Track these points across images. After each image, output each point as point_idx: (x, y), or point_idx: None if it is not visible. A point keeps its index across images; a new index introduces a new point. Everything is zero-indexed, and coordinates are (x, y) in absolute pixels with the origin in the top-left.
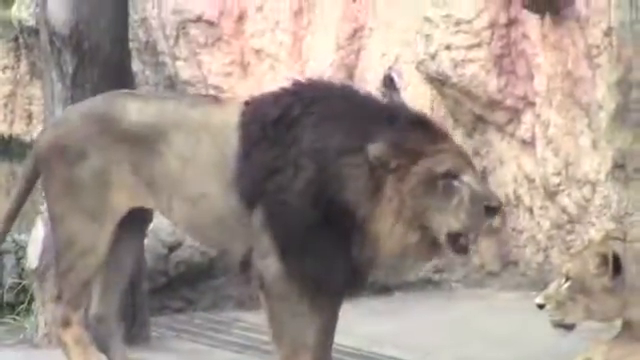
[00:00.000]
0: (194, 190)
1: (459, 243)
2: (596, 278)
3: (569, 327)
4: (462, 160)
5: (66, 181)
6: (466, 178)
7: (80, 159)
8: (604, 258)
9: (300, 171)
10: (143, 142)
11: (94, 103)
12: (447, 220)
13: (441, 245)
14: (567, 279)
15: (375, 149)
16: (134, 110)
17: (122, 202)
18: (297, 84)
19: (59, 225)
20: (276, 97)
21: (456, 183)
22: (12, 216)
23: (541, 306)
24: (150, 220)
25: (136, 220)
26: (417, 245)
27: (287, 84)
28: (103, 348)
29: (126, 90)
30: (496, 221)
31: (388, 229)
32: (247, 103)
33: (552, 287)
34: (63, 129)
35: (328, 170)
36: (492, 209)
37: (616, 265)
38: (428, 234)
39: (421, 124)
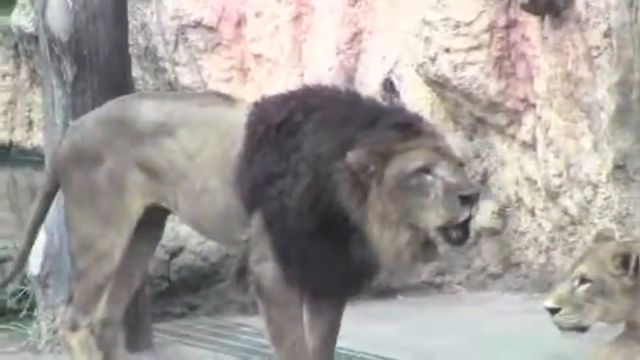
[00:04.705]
0: (198, 185)
1: (451, 236)
2: (616, 279)
3: (584, 329)
4: (435, 154)
5: (83, 186)
6: (439, 171)
7: (96, 164)
8: (625, 258)
9: (300, 177)
10: (152, 138)
11: (109, 107)
12: (429, 216)
13: (434, 242)
14: (583, 281)
15: (353, 156)
16: (146, 110)
17: (137, 202)
18: (304, 89)
19: (76, 230)
20: (282, 100)
21: (429, 178)
22: (34, 231)
23: (554, 310)
24: (163, 229)
25: (150, 228)
26: (411, 246)
27: (295, 88)
28: (106, 353)
29: (142, 92)
30: (474, 210)
31: (378, 234)
32: (256, 104)
33: (564, 290)
34: (79, 135)
35: (322, 177)
36: (466, 198)
37: (635, 265)
38: (419, 233)
39: (400, 125)
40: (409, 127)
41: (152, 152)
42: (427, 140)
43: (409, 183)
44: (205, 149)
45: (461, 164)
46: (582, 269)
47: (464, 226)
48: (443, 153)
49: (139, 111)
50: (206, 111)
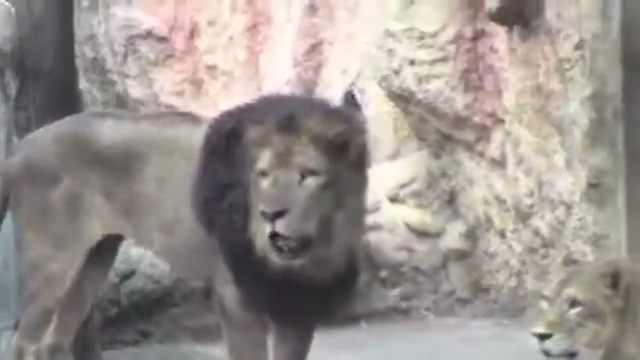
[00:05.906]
0: (170, 215)
1: (277, 244)
2: (607, 300)
3: (573, 355)
4: (277, 160)
5: (37, 205)
6: (269, 179)
7: (52, 182)
8: (614, 278)
9: (239, 188)
10: (117, 165)
11: (66, 124)
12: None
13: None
14: (573, 304)
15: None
16: (107, 131)
17: (95, 230)
18: (260, 98)
19: (27, 250)
20: (238, 111)
21: (264, 183)
22: None
23: (544, 336)
24: (116, 254)
25: (103, 250)
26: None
27: (253, 98)
28: None
29: (100, 110)
30: (278, 225)
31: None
32: (214, 118)
33: (554, 314)
34: (34, 150)
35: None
36: (264, 214)
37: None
38: None
39: (282, 117)
40: (290, 120)
41: (118, 180)
42: (280, 138)
43: (257, 181)
44: (173, 174)
45: (304, 174)
46: (571, 292)
47: (277, 237)
48: (284, 161)
49: (99, 131)
50: (171, 132)
